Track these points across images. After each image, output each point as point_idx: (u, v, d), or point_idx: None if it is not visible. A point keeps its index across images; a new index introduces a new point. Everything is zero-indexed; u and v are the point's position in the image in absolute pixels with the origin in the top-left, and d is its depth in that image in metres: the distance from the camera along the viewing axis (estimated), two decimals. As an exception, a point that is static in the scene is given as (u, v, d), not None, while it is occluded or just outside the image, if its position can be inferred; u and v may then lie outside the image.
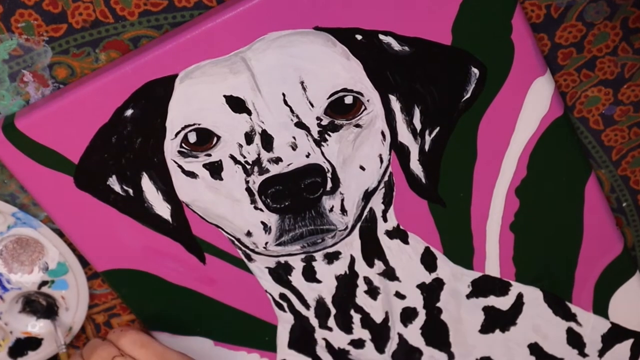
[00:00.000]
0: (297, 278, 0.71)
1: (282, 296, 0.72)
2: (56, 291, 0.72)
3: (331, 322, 0.74)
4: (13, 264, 0.71)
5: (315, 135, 0.64)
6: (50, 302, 0.73)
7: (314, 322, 0.74)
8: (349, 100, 0.64)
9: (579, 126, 0.70)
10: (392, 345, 0.75)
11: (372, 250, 0.71)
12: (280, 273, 0.71)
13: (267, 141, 0.64)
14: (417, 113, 0.65)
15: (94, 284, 0.74)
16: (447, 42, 0.63)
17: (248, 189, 0.65)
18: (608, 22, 0.66)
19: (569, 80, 0.68)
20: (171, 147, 0.65)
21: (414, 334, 0.75)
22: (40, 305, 0.74)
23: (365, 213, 0.68)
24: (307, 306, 0.73)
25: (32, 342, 0.75)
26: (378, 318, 0.74)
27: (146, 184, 0.66)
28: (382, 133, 0.66)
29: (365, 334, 0.74)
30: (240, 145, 0.64)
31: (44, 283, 0.72)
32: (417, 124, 0.66)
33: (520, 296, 0.74)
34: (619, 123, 0.70)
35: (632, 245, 0.76)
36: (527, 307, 0.74)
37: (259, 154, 0.64)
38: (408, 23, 0.62)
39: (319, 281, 0.72)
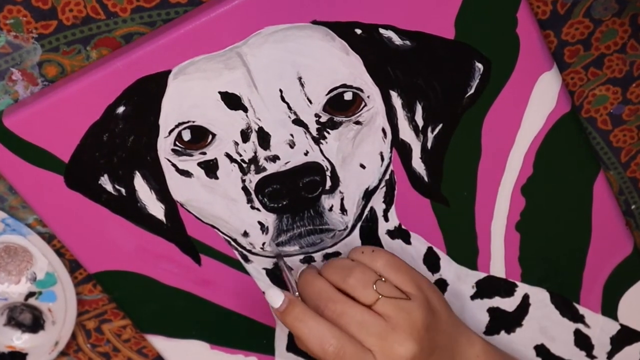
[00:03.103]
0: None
1: (281, 298, 0.71)
2: (43, 303, 0.71)
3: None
4: (0, 273, 0.69)
5: (314, 133, 0.64)
6: (37, 314, 0.72)
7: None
8: (348, 96, 0.64)
9: (587, 126, 0.70)
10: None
11: (373, 251, 0.70)
12: (278, 274, 0.70)
13: (264, 139, 0.63)
14: (419, 109, 0.65)
15: (84, 289, 0.73)
16: (450, 36, 0.63)
17: (244, 188, 0.65)
18: (616, 19, 0.66)
19: (576, 78, 0.68)
20: (165, 145, 0.64)
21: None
22: (25, 318, 0.72)
23: (366, 212, 0.68)
24: (307, 308, 0.73)
25: (16, 357, 0.73)
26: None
27: (139, 183, 0.65)
28: (383, 130, 0.65)
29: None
30: (236, 143, 0.64)
31: (31, 294, 0.70)
32: (419, 121, 0.65)
33: (526, 297, 0.73)
34: (628, 123, 0.70)
35: (641, 248, 0.76)
36: (534, 308, 0.74)
37: (255, 152, 0.64)
38: (409, 16, 0.62)
39: (318, 282, 0.71)
